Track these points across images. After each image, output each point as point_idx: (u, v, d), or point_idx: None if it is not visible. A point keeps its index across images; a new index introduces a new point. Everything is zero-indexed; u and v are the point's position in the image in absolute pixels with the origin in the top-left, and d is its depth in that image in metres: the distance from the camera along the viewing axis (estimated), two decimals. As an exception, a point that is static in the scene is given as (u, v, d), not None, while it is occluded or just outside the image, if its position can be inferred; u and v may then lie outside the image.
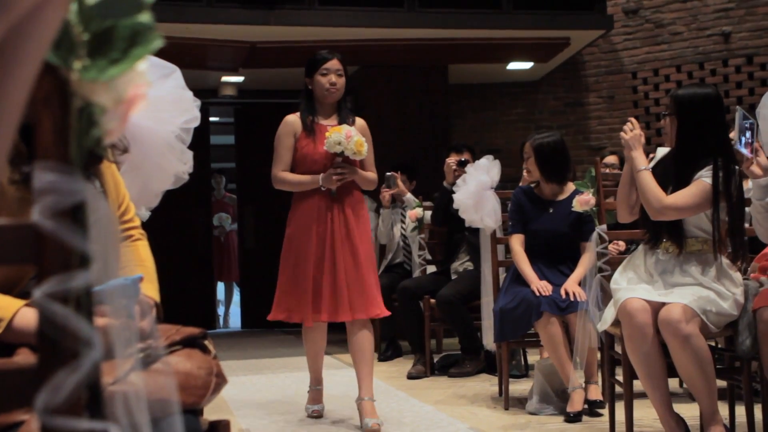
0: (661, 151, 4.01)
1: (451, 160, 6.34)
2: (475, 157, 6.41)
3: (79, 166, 0.90)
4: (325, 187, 4.45)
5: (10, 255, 0.92)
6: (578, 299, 4.53)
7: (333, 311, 4.45)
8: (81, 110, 0.90)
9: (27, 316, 1.71)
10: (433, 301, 6.27)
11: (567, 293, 4.57)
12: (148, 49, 0.88)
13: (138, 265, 2.01)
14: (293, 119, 4.67)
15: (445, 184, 6.37)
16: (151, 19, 0.87)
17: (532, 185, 5.06)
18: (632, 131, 3.75)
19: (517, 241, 4.94)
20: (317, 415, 4.81)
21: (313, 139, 4.54)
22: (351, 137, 4.35)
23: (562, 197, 4.95)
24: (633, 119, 3.84)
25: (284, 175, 4.62)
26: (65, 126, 0.89)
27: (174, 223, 9.21)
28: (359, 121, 4.68)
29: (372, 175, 4.61)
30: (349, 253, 4.47)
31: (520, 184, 5.28)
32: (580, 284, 4.68)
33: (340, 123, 4.53)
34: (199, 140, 8.48)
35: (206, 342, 1.90)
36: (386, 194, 7.37)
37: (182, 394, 1.74)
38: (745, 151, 3.42)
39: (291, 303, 4.55)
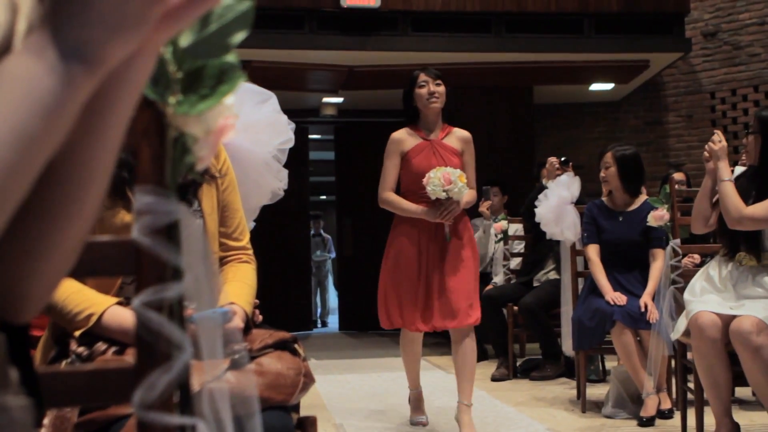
0: (738, 170, 3.94)
1: (554, 159, 6.27)
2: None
3: (174, 190, 0.95)
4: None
5: (112, 268, 0.97)
6: (651, 321, 4.45)
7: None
8: (175, 140, 0.94)
9: (115, 314, 1.79)
10: (516, 308, 6.24)
11: (646, 306, 4.49)
12: (234, 86, 0.91)
13: (237, 281, 2.07)
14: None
15: (543, 181, 6.29)
16: (236, 59, 0.91)
17: (603, 198, 5.01)
18: (720, 142, 3.69)
19: (593, 251, 4.89)
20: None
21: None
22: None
23: (632, 207, 4.90)
24: (719, 131, 3.77)
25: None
26: (162, 154, 0.94)
27: (275, 232, 9.37)
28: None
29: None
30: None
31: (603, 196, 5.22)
32: (635, 285, 4.67)
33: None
34: (299, 156, 8.63)
35: (296, 345, 1.94)
36: (485, 207, 7.39)
37: (273, 392, 1.78)
38: None
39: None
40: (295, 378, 1.83)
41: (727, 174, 3.62)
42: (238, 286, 2.04)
